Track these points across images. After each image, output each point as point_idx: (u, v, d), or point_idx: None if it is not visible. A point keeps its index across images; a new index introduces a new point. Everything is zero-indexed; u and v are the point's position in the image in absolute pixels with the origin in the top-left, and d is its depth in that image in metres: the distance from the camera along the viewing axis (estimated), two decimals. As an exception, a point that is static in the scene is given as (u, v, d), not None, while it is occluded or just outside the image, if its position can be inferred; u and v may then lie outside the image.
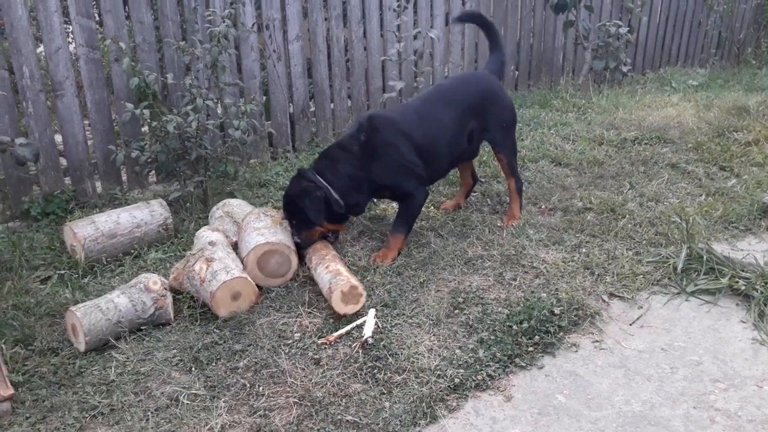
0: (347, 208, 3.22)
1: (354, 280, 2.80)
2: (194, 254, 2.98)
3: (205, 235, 3.17)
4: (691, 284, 3.00)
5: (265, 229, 3.13)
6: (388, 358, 2.48)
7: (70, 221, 3.51)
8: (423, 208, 3.53)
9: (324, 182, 3.16)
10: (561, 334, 2.64)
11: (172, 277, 2.97)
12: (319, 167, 3.24)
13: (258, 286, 2.93)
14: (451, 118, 3.39)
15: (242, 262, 3.01)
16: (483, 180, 4.28)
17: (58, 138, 4.20)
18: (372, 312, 2.74)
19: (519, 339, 2.58)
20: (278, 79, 4.93)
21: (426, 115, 3.37)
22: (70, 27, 4.23)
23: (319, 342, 2.59)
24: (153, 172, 4.45)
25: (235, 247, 3.18)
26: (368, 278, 3.06)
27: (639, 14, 7.39)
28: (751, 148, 4.72)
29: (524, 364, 2.48)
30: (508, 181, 3.74)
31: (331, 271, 2.89)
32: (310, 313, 2.83)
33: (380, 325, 2.69)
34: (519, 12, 6.81)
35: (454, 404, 2.27)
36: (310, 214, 3.10)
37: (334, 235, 3.34)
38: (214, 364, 2.49)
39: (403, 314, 2.79)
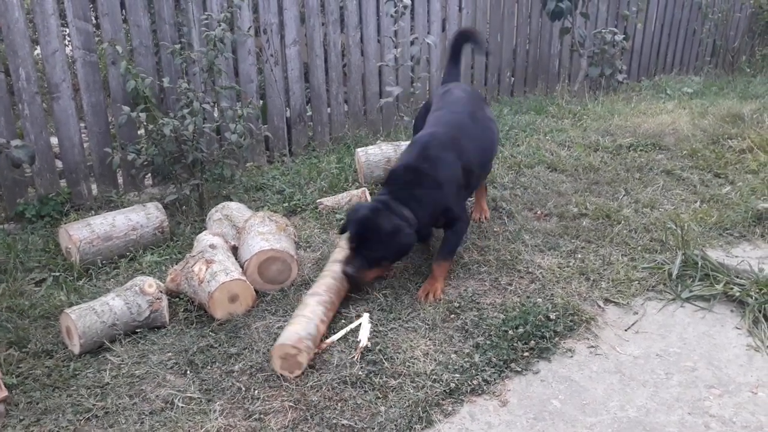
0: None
1: (291, 343, 2.41)
2: (194, 256, 2.97)
3: (205, 238, 3.17)
4: (686, 290, 3.01)
5: (270, 234, 3.12)
6: (383, 363, 2.47)
7: (65, 223, 3.50)
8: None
9: (414, 217, 2.93)
10: (556, 339, 2.65)
11: (169, 278, 2.96)
12: (401, 197, 2.96)
13: (255, 290, 2.92)
14: (493, 120, 3.50)
15: (242, 265, 3.01)
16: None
17: (54, 140, 4.19)
18: (366, 316, 2.73)
19: (515, 344, 2.58)
20: (275, 83, 4.94)
21: (479, 122, 3.34)
22: (67, 30, 4.23)
23: (311, 353, 2.57)
24: (149, 175, 4.45)
25: (233, 250, 3.17)
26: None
27: (639, 20, 7.45)
28: (745, 156, 4.74)
29: (520, 369, 2.48)
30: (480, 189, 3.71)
31: (295, 316, 2.61)
32: (305, 317, 2.82)
33: (376, 328, 2.68)
34: (515, 19, 6.84)
35: (450, 409, 2.27)
36: (392, 255, 2.95)
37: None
38: (209, 367, 2.49)
39: (399, 318, 2.78)
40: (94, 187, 4.26)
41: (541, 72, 7.19)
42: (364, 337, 2.58)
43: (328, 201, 3.92)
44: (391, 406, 2.25)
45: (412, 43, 5.04)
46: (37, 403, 2.32)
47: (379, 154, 4.31)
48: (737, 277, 3.03)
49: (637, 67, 8.05)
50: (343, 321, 2.76)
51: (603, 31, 6.87)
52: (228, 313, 2.79)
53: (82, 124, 4.37)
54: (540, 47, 7.09)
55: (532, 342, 2.59)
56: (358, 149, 4.41)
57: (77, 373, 2.49)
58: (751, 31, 8.81)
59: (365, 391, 2.34)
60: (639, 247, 3.40)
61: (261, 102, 4.95)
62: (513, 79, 7.00)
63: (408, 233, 2.89)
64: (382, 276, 3.07)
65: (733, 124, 5.44)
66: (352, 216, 2.99)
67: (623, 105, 6.37)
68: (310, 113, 5.34)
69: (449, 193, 3.04)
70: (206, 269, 2.84)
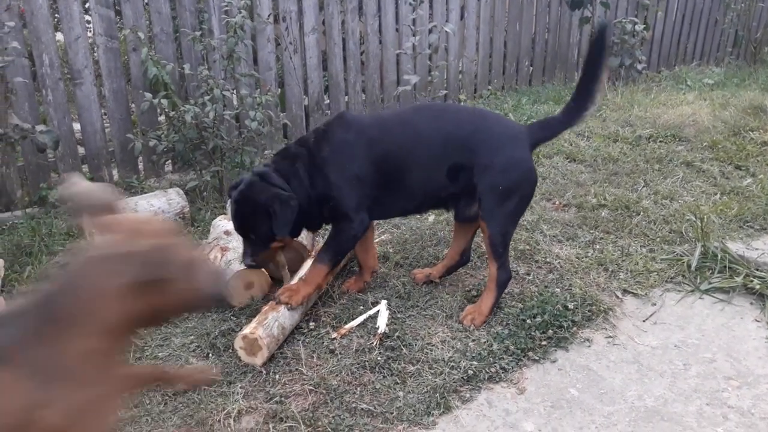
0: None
1: (253, 330, 2.42)
2: (209, 243, 3.00)
3: (221, 224, 3.19)
4: (705, 282, 3.00)
5: None
6: (402, 349, 2.50)
7: (88, 208, 3.54)
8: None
9: (290, 188, 2.61)
10: (574, 329, 2.65)
11: (187, 265, 2.98)
12: (281, 168, 2.66)
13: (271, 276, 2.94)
14: (431, 140, 2.65)
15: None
16: None
17: (77, 126, 4.24)
18: (384, 303, 2.75)
19: (532, 333, 2.59)
20: (294, 71, 4.95)
21: (407, 126, 2.72)
22: (89, 16, 4.27)
23: (331, 338, 2.60)
24: (169, 161, 4.49)
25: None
26: (381, 269, 3.08)
27: (660, 8, 7.37)
28: (767, 148, 4.69)
29: (537, 358, 2.49)
30: (489, 265, 2.72)
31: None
32: (324, 302, 2.85)
33: (394, 315, 2.70)
34: (534, 7, 6.80)
35: (468, 395, 2.29)
36: (279, 227, 2.55)
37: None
38: (230, 350, 2.52)
39: (417, 306, 2.80)
40: (115, 172, 4.31)
41: (560, 61, 7.15)
42: (382, 324, 2.60)
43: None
44: (409, 392, 2.28)
45: (430, 31, 5.03)
46: (63, 383, 2.37)
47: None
48: (757, 270, 3.01)
49: (657, 58, 7.97)
50: (361, 307, 2.78)
51: (623, 20, 6.81)
52: (245, 300, 2.81)
53: (104, 110, 4.42)
54: (559, 36, 7.05)
55: (550, 331, 2.60)
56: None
57: (101, 354, 2.54)
58: (774, 22, 8.69)
59: (384, 376, 2.36)
60: (658, 239, 3.39)
61: (279, 90, 4.97)
62: (531, 68, 6.96)
63: (285, 200, 2.54)
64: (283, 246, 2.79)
65: (754, 116, 5.38)
66: (231, 193, 2.70)
67: (643, 95, 6.32)
68: (327, 101, 5.35)
69: (336, 179, 2.61)
70: (221, 257, 2.87)
